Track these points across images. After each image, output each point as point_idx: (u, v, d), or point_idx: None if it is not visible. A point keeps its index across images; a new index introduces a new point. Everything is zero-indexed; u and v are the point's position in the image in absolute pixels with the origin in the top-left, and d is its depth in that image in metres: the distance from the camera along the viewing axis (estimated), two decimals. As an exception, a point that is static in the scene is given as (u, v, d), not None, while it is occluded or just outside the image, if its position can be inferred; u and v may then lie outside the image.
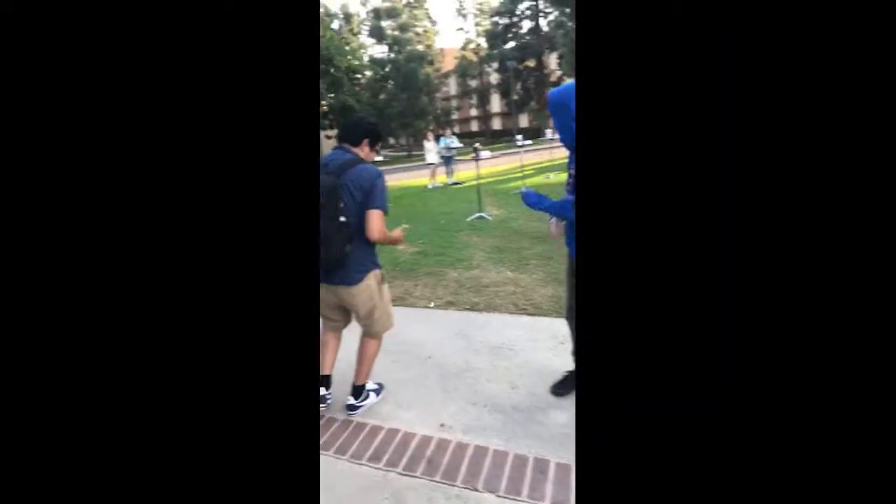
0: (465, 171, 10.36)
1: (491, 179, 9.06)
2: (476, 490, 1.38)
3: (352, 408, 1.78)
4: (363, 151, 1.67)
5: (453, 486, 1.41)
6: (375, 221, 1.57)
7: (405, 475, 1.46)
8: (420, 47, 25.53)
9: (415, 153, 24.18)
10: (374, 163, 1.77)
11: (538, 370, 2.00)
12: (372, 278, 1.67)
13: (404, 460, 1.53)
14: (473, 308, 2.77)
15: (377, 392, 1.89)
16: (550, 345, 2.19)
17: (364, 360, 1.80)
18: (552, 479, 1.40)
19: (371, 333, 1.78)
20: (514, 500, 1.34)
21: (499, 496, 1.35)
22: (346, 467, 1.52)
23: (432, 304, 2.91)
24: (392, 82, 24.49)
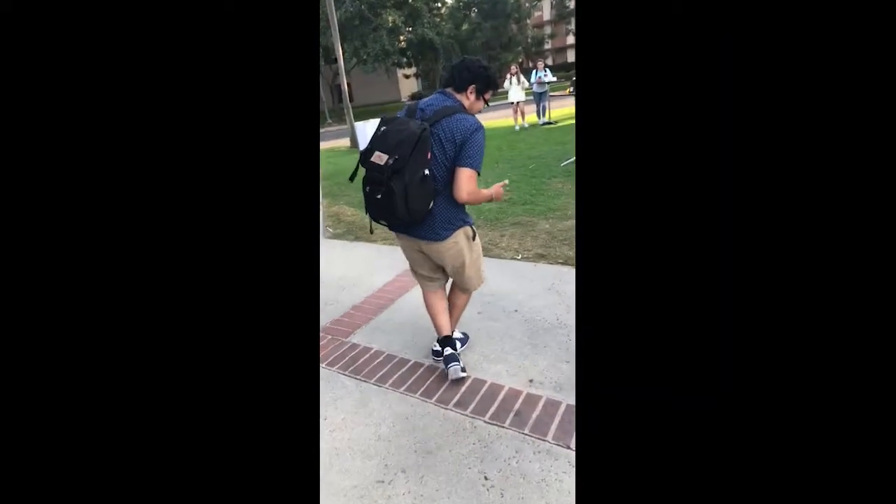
0: (559, 109, 9.50)
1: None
2: (568, 448, 1.36)
3: (437, 354, 1.81)
4: (468, 100, 1.48)
5: (543, 440, 1.41)
6: (464, 181, 1.41)
7: (492, 424, 1.50)
8: (509, -35, 22.88)
9: (502, 90, 22.67)
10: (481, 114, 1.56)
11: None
12: (461, 235, 1.56)
13: (491, 410, 1.56)
14: (567, 262, 2.62)
15: (463, 342, 1.89)
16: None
17: (452, 312, 1.79)
18: (653, 451, 1.31)
19: (461, 287, 1.75)
20: (608, 465, 1.29)
21: (592, 459, 1.32)
22: (432, 409, 1.60)
23: (520, 257, 2.81)
24: (476, 10, 22.62)
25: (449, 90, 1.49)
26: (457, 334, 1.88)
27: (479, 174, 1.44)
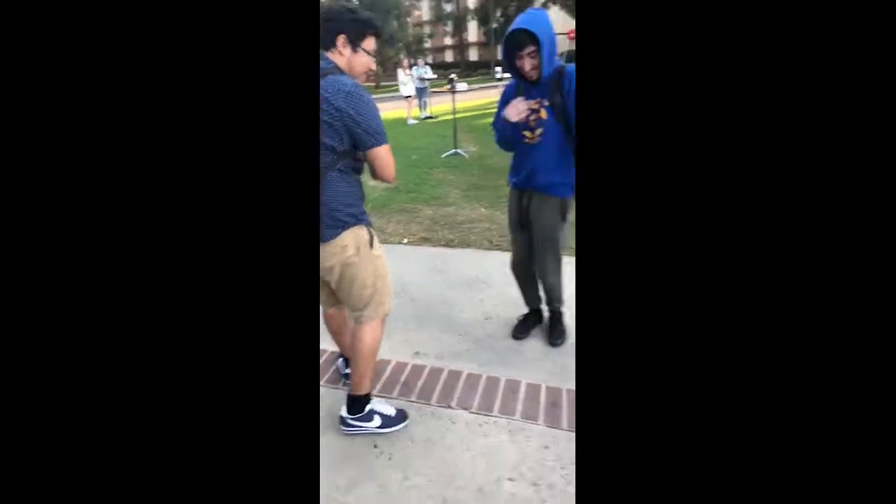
0: (439, 105, 9.88)
1: (467, 114, 8.70)
2: (450, 407, 1.47)
3: (343, 422, 1.34)
4: (342, 56, 1.13)
5: (428, 404, 1.49)
6: (382, 159, 1.12)
7: (381, 396, 1.53)
8: (390, -39, 22.83)
9: (383, 84, 22.60)
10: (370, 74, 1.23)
11: (512, 302, 2.07)
12: (350, 237, 1.16)
13: (380, 384, 1.59)
14: (448, 244, 2.78)
15: (389, 423, 1.35)
16: (523, 278, 2.26)
17: (357, 361, 1.29)
18: (522, 396, 1.50)
19: (358, 317, 1.26)
20: (485, 415, 1.44)
21: (472, 412, 1.45)
22: (323, 391, 1.57)
23: (405, 241, 2.88)
24: (357, 1, 22.08)
25: (323, 54, 1.14)
26: (382, 407, 1.37)
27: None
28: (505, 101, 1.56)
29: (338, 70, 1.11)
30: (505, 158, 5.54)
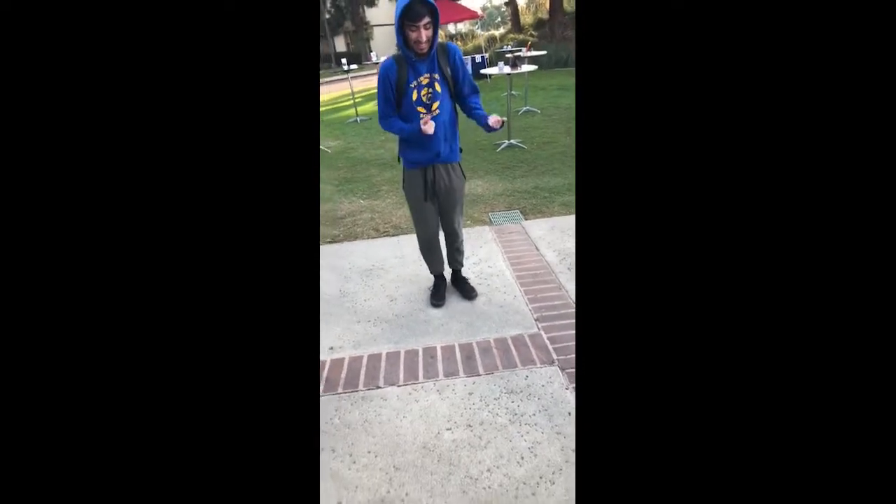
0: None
1: (321, 109, 8.33)
2: (378, 388, 1.53)
3: None
4: None
5: (356, 391, 1.52)
6: None
7: (306, 400, 1.49)
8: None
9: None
10: None
11: (411, 280, 2.18)
12: None
13: (302, 388, 1.54)
14: (334, 240, 2.73)
15: None
16: (417, 257, 2.39)
17: None
18: (441, 358, 1.64)
19: None
20: (413, 384, 1.54)
21: (399, 385, 1.53)
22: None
23: (288, 244, 2.73)
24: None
25: None
26: None
27: None
28: (385, 77, 1.54)
29: None
30: (370, 149, 5.47)
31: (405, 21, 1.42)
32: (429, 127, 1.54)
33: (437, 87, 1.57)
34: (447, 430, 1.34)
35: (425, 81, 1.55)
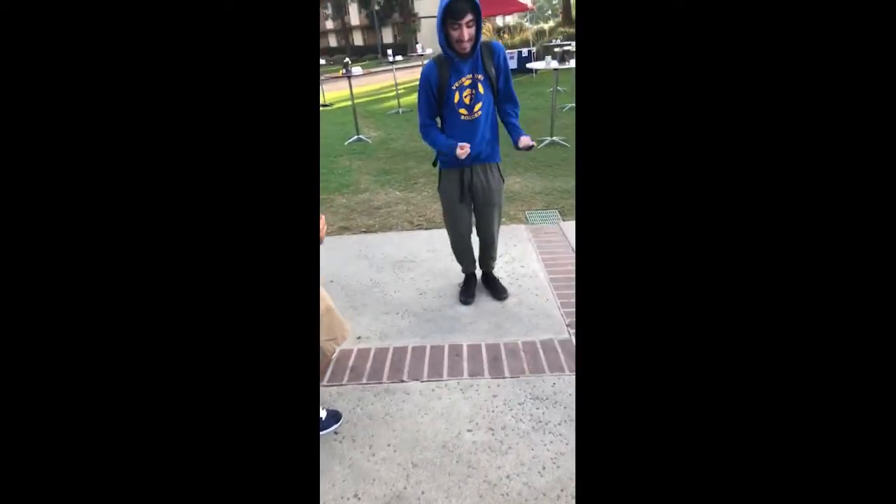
0: (331, 92, 9.44)
1: (363, 100, 8.47)
2: (402, 381, 1.52)
3: None
4: None
5: (380, 383, 1.52)
6: None
7: (331, 385, 1.52)
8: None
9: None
10: None
11: (442, 275, 2.16)
12: None
13: (328, 375, 1.57)
14: (369, 230, 2.76)
15: (329, 421, 1.35)
16: (448, 252, 2.36)
17: None
18: (466, 357, 1.62)
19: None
20: (437, 381, 1.52)
21: (423, 381, 1.52)
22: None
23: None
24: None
25: None
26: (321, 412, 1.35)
27: None
28: (427, 80, 1.52)
29: None
30: (409, 141, 5.51)
31: (447, 19, 1.37)
32: (463, 152, 1.50)
33: (480, 88, 1.51)
34: (468, 431, 1.32)
35: (468, 82, 1.50)
